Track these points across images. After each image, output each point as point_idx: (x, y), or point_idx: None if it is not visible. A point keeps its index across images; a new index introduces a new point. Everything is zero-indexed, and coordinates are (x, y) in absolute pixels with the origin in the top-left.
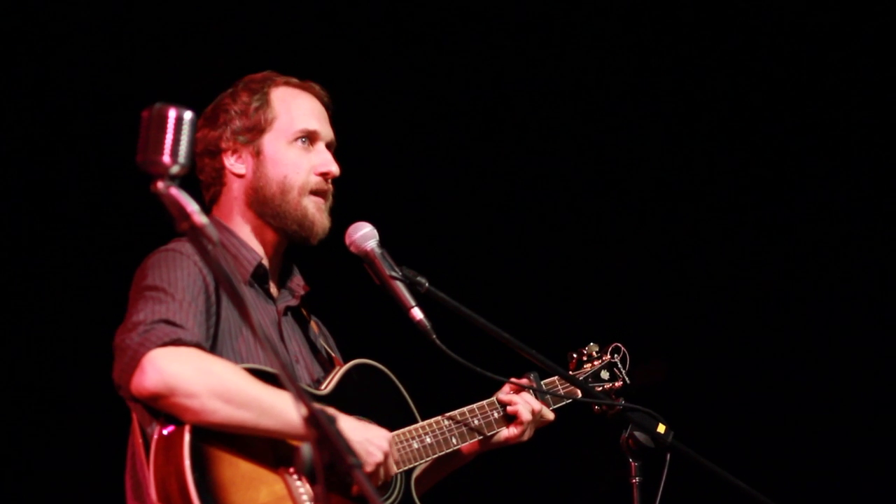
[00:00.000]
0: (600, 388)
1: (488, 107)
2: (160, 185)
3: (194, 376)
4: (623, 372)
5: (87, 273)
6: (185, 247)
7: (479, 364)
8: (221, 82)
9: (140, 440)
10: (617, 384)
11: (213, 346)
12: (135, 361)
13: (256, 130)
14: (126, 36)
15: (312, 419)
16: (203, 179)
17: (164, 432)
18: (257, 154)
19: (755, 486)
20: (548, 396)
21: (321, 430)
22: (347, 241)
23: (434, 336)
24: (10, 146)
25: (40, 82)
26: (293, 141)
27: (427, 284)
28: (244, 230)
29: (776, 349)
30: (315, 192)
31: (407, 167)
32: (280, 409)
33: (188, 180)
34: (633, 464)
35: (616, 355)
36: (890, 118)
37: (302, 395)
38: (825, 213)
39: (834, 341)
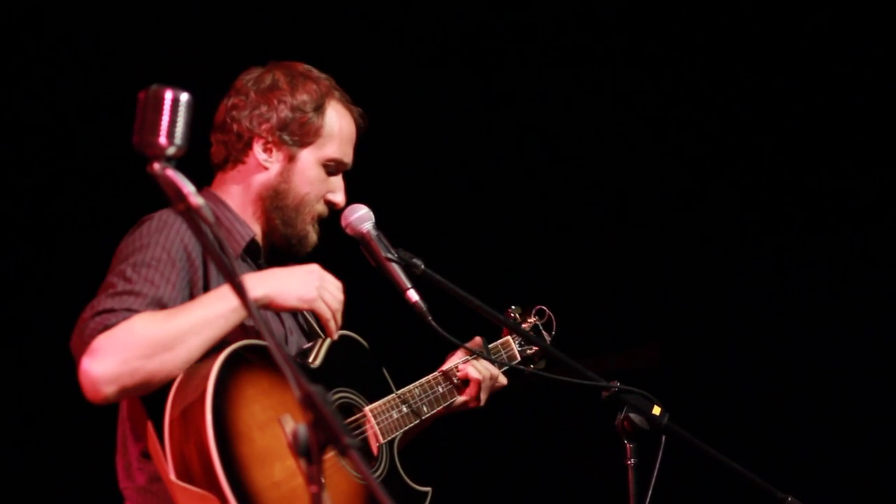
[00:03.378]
0: (530, 351)
1: (475, 94)
2: (156, 166)
3: (122, 353)
4: (546, 334)
5: (75, 257)
6: (171, 215)
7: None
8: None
9: (126, 414)
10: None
11: None
12: (78, 365)
13: (303, 140)
14: (125, 29)
15: (308, 399)
16: (227, 140)
17: (181, 410)
18: (290, 160)
19: (750, 467)
20: (495, 361)
21: (317, 411)
22: (343, 223)
23: (430, 318)
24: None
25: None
26: (324, 164)
27: (423, 266)
28: (245, 209)
29: (770, 331)
30: (318, 218)
31: (400, 149)
32: (209, 311)
33: (183, 160)
34: (629, 446)
35: (539, 317)
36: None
37: (297, 376)
38: (817, 199)
39: (828, 324)
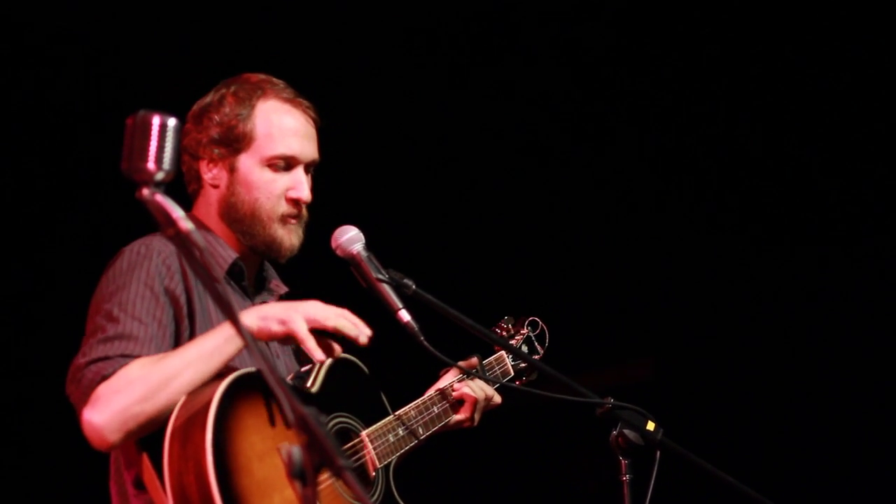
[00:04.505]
0: (523, 364)
1: (464, 108)
2: (145, 191)
3: (120, 406)
4: (539, 346)
5: (72, 271)
6: (151, 248)
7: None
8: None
9: (125, 448)
10: (535, 358)
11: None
12: (80, 416)
13: (234, 148)
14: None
15: (302, 422)
16: (184, 172)
17: (181, 442)
18: (232, 171)
19: (745, 481)
20: (489, 378)
21: (311, 433)
22: (333, 245)
23: (422, 338)
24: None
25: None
26: (269, 164)
27: (414, 286)
28: (221, 231)
29: (764, 345)
30: (285, 218)
31: (389, 168)
32: (202, 349)
33: (173, 184)
34: (623, 462)
35: (532, 329)
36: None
37: (291, 398)
38: (811, 214)
39: (822, 338)
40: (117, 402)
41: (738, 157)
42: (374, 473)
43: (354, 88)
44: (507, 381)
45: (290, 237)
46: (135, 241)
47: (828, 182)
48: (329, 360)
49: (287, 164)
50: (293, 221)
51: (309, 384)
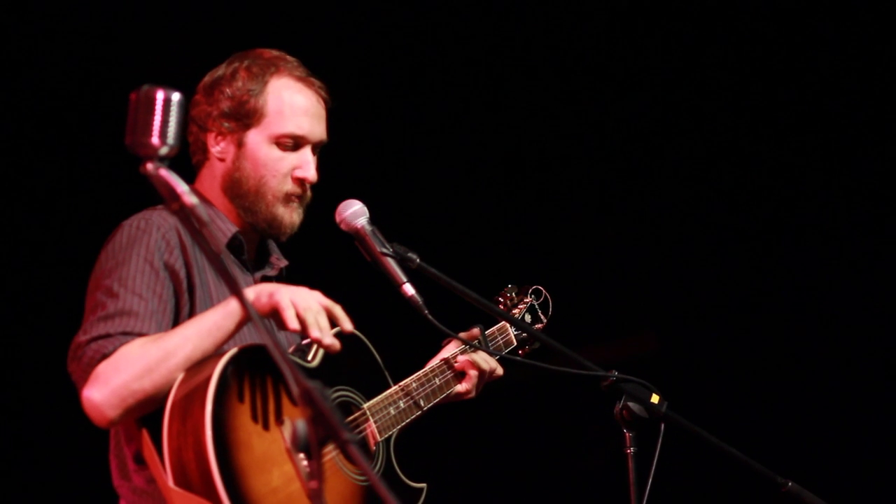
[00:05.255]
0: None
1: (467, 78)
2: (149, 166)
3: (124, 379)
4: (542, 314)
5: (67, 252)
6: (150, 222)
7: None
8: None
9: (126, 422)
10: (538, 327)
11: (191, 317)
12: (80, 393)
13: (243, 122)
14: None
15: (306, 395)
16: (190, 142)
17: (181, 418)
18: (239, 146)
19: (750, 453)
20: (491, 349)
21: (316, 407)
22: (338, 219)
23: (426, 311)
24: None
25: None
26: (277, 142)
27: (418, 260)
28: (223, 205)
29: (768, 318)
30: (289, 196)
31: (393, 143)
32: (201, 326)
33: (177, 159)
34: (628, 434)
35: (535, 297)
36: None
37: (295, 372)
38: (814, 187)
39: (826, 310)
40: (116, 379)
41: (746, 131)
42: (374, 447)
43: (356, 61)
44: (510, 350)
45: (292, 216)
46: (134, 215)
47: (835, 158)
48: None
49: (295, 143)
50: (296, 201)
51: (309, 358)
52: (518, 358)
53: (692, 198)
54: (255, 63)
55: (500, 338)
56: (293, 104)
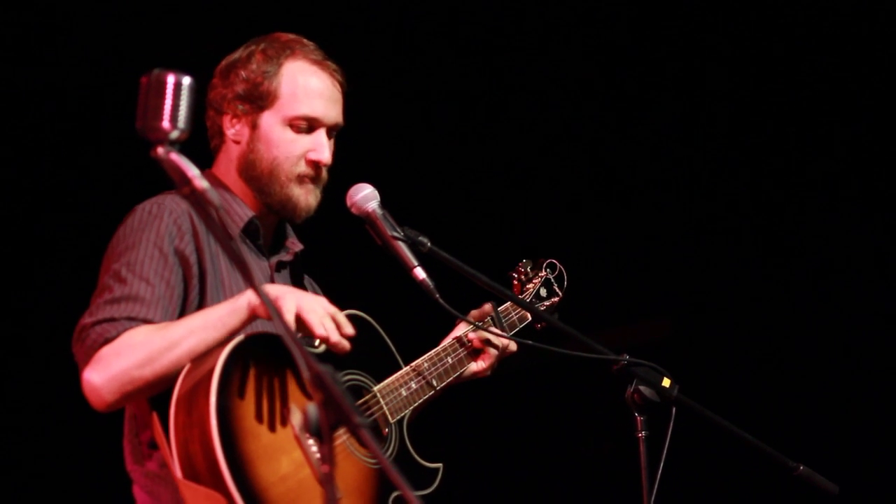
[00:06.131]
0: (542, 307)
1: (481, 62)
2: (160, 150)
3: (126, 363)
4: (558, 287)
5: (74, 243)
6: (164, 206)
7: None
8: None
9: (140, 408)
10: (554, 300)
11: (200, 303)
12: (81, 375)
13: (258, 104)
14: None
15: (318, 380)
16: (208, 127)
17: (186, 410)
18: (254, 127)
19: (761, 437)
20: (505, 324)
21: (327, 391)
22: (349, 203)
23: (437, 295)
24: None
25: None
26: (291, 124)
27: (429, 244)
28: (238, 188)
29: (780, 303)
30: (302, 178)
31: (405, 126)
32: (209, 317)
33: (188, 143)
34: (639, 418)
35: (550, 270)
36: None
37: (307, 356)
38: (826, 176)
39: (837, 296)
40: (117, 364)
41: (761, 116)
42: (386, 430)
43: (371, 46)
44: (525, 325)
45: (308, 198)
46: (147, 199)
47: (847, 146)
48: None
49: (309, 125)
50: (310, 182)
51: (316, 343)
52: (529, 342)
53: (710, 185)
54: (272, 46)
55: (513, 314)
56: (307, 86)
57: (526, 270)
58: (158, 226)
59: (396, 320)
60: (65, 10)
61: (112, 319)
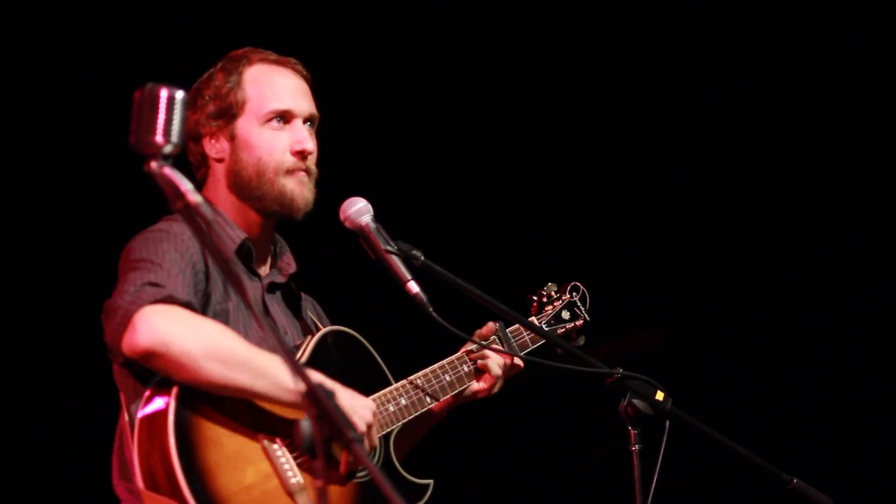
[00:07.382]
0: (562, 329)
1: (475, 77)
2: (153, 164)
3: (188, 334)
4: (583, 310)
5: (71, 256)
6: (172, 226)
7: (471, 332)
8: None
9: (126, 420)
10: (578, 323)
11: None
12: (126, 319)
13: (229, 115)
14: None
15: (311, 394)
16: (192, 161)
17: (147, 416)
18: (232, 138)
19: (755, 450)
20: (514, 344)
21: (320, 406)
22: (342, 217)
23: (431, 309)
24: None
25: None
26: (266, 122)
27: (422, 258)
28: (230, 210)
29: (773, 315)
30: (291, 171)
31: (399, 140)
32: (273, 371)
33: (180, 159)
34: (633, 431)
35: (574, 294)
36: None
37: (301, 371)
38: (818, 184)
39: (830, 307)
40: (185, 326)
41: (751, 128)
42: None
43: (361, 57)
44: (537, 346)
45: (302, 190)
46: (146, 228)
47: (839, 157)
48: (318, 335)
49: (283, 119)
50: (301, 174)
51: (299, 356)
52: (521, 355)
53: (702, 196)
54: (228, 62)
55: (525, 334)
56: (272, 83)
57: (549, 293)
58: (175, 239)
59: (392, 336)
60: (63, 14)
61: (156, 284)
